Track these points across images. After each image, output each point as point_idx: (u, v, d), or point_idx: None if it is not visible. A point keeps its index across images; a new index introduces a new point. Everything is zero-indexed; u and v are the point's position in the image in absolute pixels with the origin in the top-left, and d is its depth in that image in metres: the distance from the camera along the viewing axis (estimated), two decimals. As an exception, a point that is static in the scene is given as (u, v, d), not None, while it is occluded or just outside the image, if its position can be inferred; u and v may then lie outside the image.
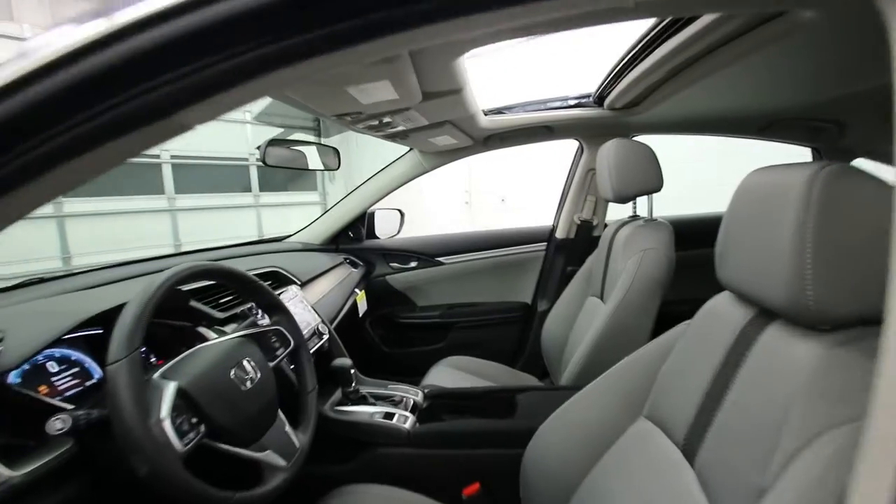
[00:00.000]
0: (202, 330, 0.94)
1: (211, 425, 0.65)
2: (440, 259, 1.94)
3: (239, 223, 5.81)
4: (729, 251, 0.64)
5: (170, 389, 0.62)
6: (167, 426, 0.58)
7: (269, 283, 1.25)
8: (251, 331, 0.83)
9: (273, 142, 1.11)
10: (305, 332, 1.16)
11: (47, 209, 4.22)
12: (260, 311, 0.99)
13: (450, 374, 1.60)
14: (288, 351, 0.88)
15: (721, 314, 0.68)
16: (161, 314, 0.89)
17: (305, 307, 1.27)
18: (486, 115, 1.45)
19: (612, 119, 1.51)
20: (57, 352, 0.76)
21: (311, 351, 1.16)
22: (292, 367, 0.94)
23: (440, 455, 1.05)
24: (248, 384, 0.73)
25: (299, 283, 1.35)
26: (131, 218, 4.79)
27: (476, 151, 1.71)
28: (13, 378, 0.65)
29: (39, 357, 0.70)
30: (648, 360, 0.81)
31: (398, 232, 2.07)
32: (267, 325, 0.88)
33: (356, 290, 1.76)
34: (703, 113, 1.50)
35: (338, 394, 1.20)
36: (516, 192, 5.53)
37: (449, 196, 6.01)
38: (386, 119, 0.98)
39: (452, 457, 1.04)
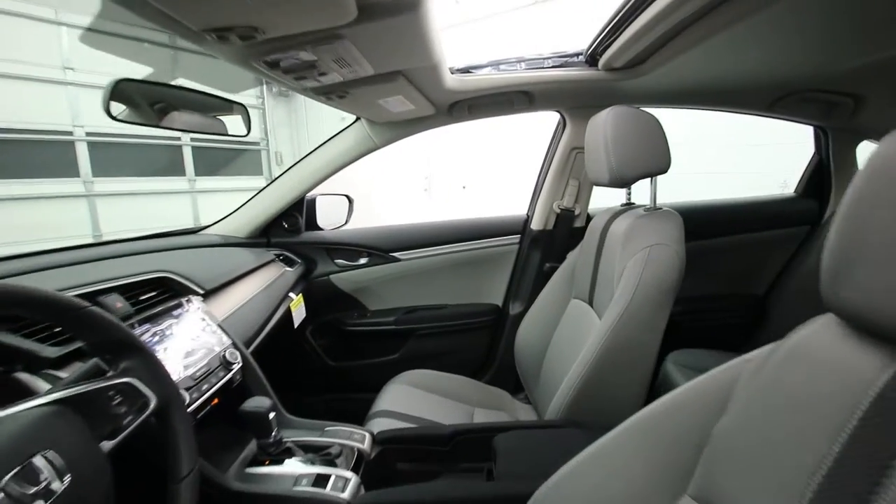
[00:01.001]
0: (22, 377, 0.59)
1: None
2: (395, 255, 1.62)
3: (173, 212, 5.19)
4: (854, 262, 0.38)
5: None
6: None
7: (156, 294, 0.91)
8: (67, 392, 0.49)
9: (123, 84, 0.73)
10: (200, 365, 0.83)
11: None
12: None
13: (407, 393, 1.32)
14: (143, 417, 0.55)
15: (834, 357, 0.42)
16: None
17: (207, 327, 0.93)
18: (452, 73, 1.14)
19: (605, 83, 1.24)
20: None
21: (216, 387, 0.84)
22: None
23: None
24: (38, 505, 0.40)
25: (202, 292, 1.00)
26: (35, 205, 4.11)
27: (438, 124, 1.40)
28: None
29: None
30: (693, 410, 0.55)
31: (346, 222, 1.74)
32: (108, 379, 0.54)
33: (291, 294, 1.42)
34: (710, 82, 1.27)
35: (252, 446, 0.88)
36: (477, 179, 5.27)
37: (406, 183, 5.66)
38: (306, 54, 0.65)
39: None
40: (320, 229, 1.64)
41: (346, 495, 0.77)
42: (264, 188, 1.51)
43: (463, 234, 1.65)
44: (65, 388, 0.50)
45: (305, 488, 0.77)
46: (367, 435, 0.95)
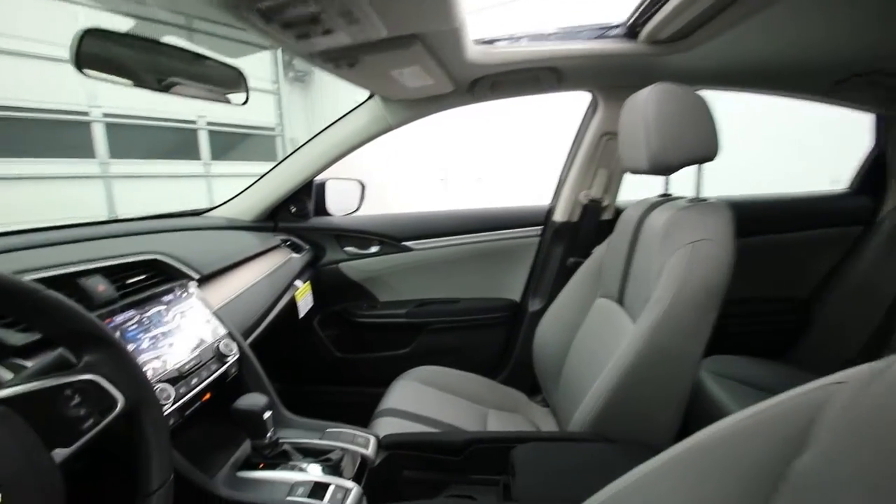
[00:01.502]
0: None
1: None
2: (408, 244, 1.53)
3: (189, 195, 5.19)
4: None
5: None
6: None
7: (145, 279, 0.83)
8: (12, 391, 0.41)
9: (94, 34, 0.63)
10: (190, 357, 0.75)
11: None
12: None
13: (417, 391, 1.23)
14: (108, 421, 0.47)
15: None
16: None
17: (200, 316, 0.85)
18: (475, 44, 1.03)
19: (645, 59, 1.12)
20: None
21: (207, 382, 0.76)
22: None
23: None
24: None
25: (197, 277, 0.92)
26: (52, 185, 4.12)
27: (457, 103, 1.29)
28: None
29: None
30: (765, 440, 0.45)
31: (357, 209, 1.65)
32: (67, 375, 0.46)
33: (297, 282, 1.34)
34: (764, 61, 1.14)
35: (246, 447, 0.80)
36: (493, 171, 5.14)
37: (422, 174, 5.56)
38: (308, 4, 0.55)
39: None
40: (330, 215, 1.56)
41: (345, 509, 0.69)
42: (272, 169, 1.43)
43: (480, 225, 1.55)
44: (10, 387, 0.42)
45: (301, 499, 0.69)
46: (372, 439, 0.87)
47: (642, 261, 0.97)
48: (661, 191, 1.08)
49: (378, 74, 0.96)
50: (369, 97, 1.30)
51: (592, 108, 1.37)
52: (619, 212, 1.28)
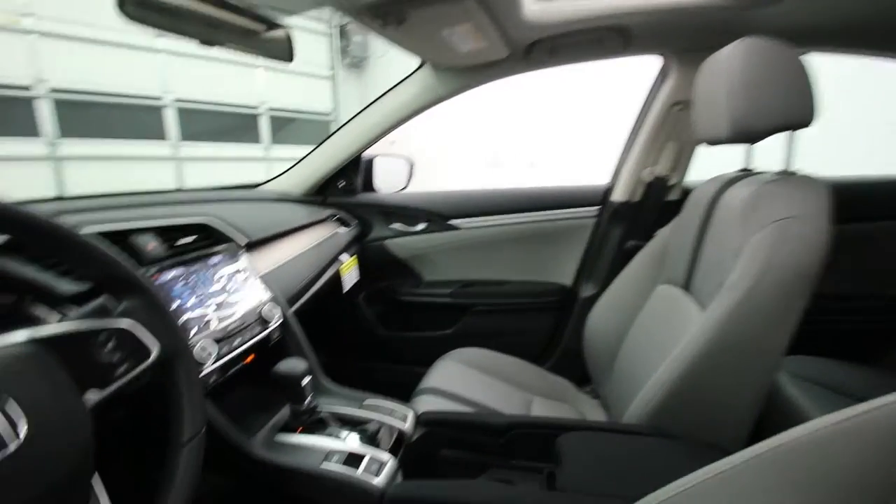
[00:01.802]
0: (35, 310, 0.53)
1: None
2: (455, 222, 1.48)
3: (250, 176, 5.44)
4: None
5: None
6: None
7: (195, 241, 0.84)
8: (47, 332, 0.41)
9: None
10: (234, 318, 0.75)
11: (41, 150, 3.92)
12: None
13: (459, 372, 1.19)
14: (142, 369, 0.46)
15: None
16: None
17: (246, 280, 0.85)
18: (533, 1, 0.95)
19: (728, 14, 0.98)
20: None
21: (249, 343, 0.76)
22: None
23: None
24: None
25: (244, 242, 0.93)
26: (130, 165, 4.46)
27: (512, 70, 1.21)
28: None
29: None
30: (876, 447, 0.37)
31: (405, 187, 1.62)
32: (103, 320, 0.45)
33: (343, 256, 1.34)
34: (872, 16, 0.97)
35: (285, 411, 0.80)
36: (547, 156, 4.95)
37: (471, 158, 5.47)
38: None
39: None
40: (377, 191, 1.55)
41: (379, 481, 0.67)
42: (322, 143, 1.43)
43: (531, 204, 1.47)
44: (47, 327, 0.42)
45: (335, 467, 0.67)
46: (411, 414, 0.84)
47: (716, 242, 0.86)
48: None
49: (428, 35, 0.91)
50: (419, 67, 1.26)
51: (662, 74, 1.25)
52: (686, 192, 1.16)
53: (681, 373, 0.74)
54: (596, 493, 0.61)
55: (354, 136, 1.38)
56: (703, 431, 0.75)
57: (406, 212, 1.51)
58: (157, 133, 4.65)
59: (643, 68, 1.29)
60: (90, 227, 0.68)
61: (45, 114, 3.89)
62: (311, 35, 5.77)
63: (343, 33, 5.91)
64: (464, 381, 1.15)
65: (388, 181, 1.57)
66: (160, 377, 0.49)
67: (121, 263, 0.47)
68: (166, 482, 0.46)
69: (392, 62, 5.61)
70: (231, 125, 5.27)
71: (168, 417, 0.49)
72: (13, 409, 0.34)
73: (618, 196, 1.35)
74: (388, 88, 1.33)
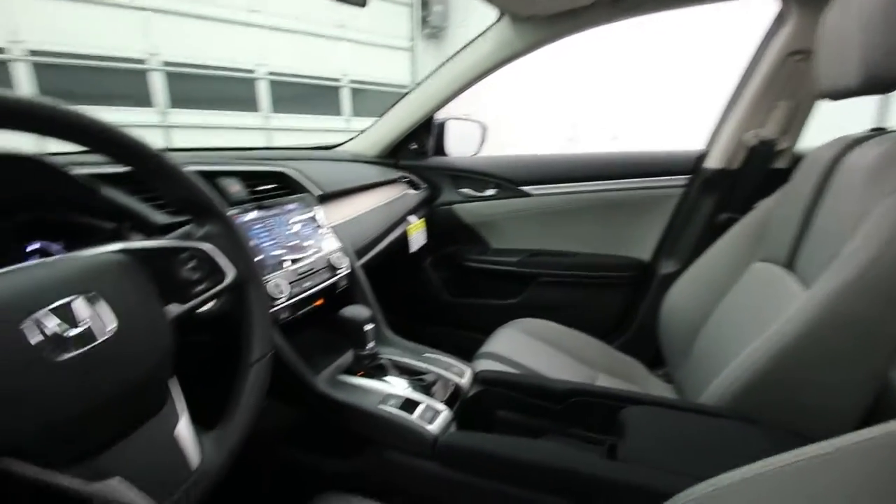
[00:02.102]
0: (133, 238, 0.59)
1: None
2: (526, 189, 1.43)
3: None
4: None
5: None
6: None
7: (274, 188, 0.89)
8: (137, 245, 0.45)
9: None
10: (305, 262, 0.78)
11: (154, 118, 4.39)
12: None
13: (521, 341, 1.16)
14: (218, 289, 0.49)
15: None
16: (45, 204, 0.56)
17: (318, 228, 0.89)
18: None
19: None
20: None
21: (318, 288, 0.79)
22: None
23: (481, 489, 0.63)
24: (74, 347, 0.35)
25: (318, 193, 0.96)
26: (227, 133, 4.86)
27: (598, 20, 1.11)
28: None
29: None
30: None
31: (477, 151, 1.59)
32: (186, 240, 0.49)
33: (411, 217, 1.35)
34: None
35: (349, 356, 0.83)
36: (631, 128, 4.60)
37: (548, 131, 5.25)
38: None
39: (502, 496, 0.62)
40: (448, 155, 1.53)
41: (433, 428, 0.67)
42: (394, 105, 1.43)
43: (610, 171, 1.37)
44: (139, 242, 0.45)
45: (391, 409, 0.69)
46: (468, 370, 0.84)
47: (831, 212, 0.74)
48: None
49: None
50: (496, 21, 1.20)
51: (779, 20, 1.07)
52: (797, 158, 1.00)
53: (774, 354, 0.65)
54: (659, 467, 0.57)
55: (427, 97, 1.36)
56: (793, 420, 0.66)
57: (476, 176, 1.48)
58: (250, 104, 5.00)
59: (752, 16, 1.12)
60: (186, 167, 0.74)
61: (158, 85, 4.33)
62: (392, 6, 5.81)
63: (424, 3, 5.87)
64: (525, 349, 1.12)
65: (459, 145, 1.55)
66: (234, 301, 0.53)
67: (205, 192, 0.50)
68: (235, 397, 0.50)
69: (471, 31, 5.48)
70: (315, 97, 5.52)
71: (238, 339, 0.52)
72: (104, 307, 0.38)
73: (713, 163, 1.21)
74: (460, 48, 1.28)
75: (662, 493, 0.43)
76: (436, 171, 1.52)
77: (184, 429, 0.43)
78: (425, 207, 1.48)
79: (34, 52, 3.67)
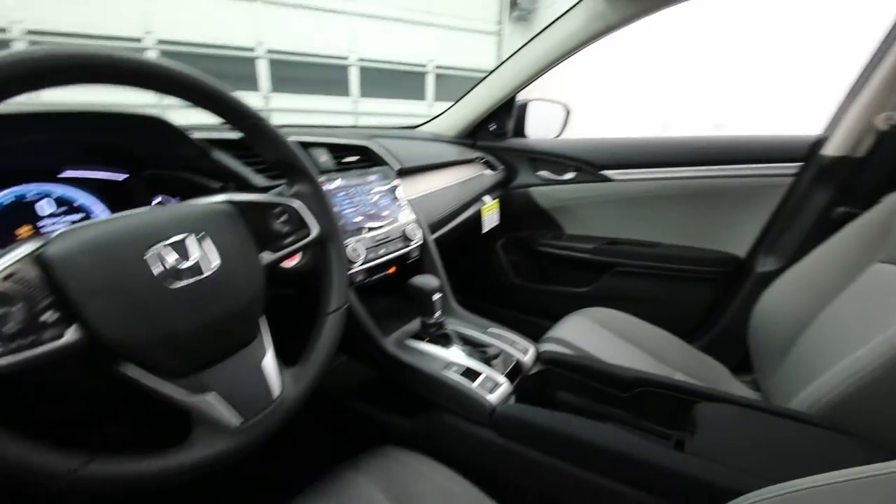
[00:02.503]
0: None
1: (91, 333, 0.36)
2: (607, 173, 1.36)
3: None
4: None
5: (19, 251, 0.34)
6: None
7: (357, 160, 0.95)
8: (238, 197, 0.51)
9: None
10: (381, 231, 0.83)
11: (258, 102, 4.80)
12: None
13: (591, 329, 1.10)
14: (303, 243, 0.55)
15: None
16: (168, 163, 0.65)
17: (395, 200, 0.93)
18: None
19: None
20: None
21: (392, 256, 0.84)
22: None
23: (536, 461, 0.64)
24: (186, 277, 0.41)
25: (397, 167, 1.01)
26: (320, 117, 5.19)
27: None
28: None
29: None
30: None
31: (559, 134, 1.54)
32: (279, 196, 0.55)
33: (486, 197, 1.36)
34: None
35: (416, 323, 0.87)
36: (739, 115, 4.14)
37: (639, 116, 4.91)
38: None
39: (556, 471, 0.62)
40: (527, 137, 1.50)
41: (492, 397, 0.68)
42: (475, 85, 1.43)
43: (706, 156, 1.26)
44: (240, 195, 0.51)
45: (453, 375, 0.71)
46: (532, 348, 0.83)
47: None
48: None
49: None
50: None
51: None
52: None
53: (884, 363, 0.57)
54: (729, 464, 0.53)
55: (510, 78, 1.34)
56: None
57: (555, 159, 1.44)
58: (342, 89, 5.28)
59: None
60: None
61: (263, 71, 4.72)
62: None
63: (514, -16, 5.74)
64: (594, 338, 1.07)
65: (540, 127, 1.52)
66: (316, 256, 0.58)
67: (298, 155, 0.55)
68: (312, 342, 0.55)
69: (560, 12, 5.26)
70: (401, 82, 5.68)
71: (318, 294, 0.57)
72: (210, 246, 0.44)
73: (833, 149, 1.06)
74: (546, 25, 1.24)
75: (730, 491, 0.41)
76: (514, 152, 1.50)
77: (269, 362, 0.48)
78: (500, 189, 1.47)
79: (161, 42, 4.20)
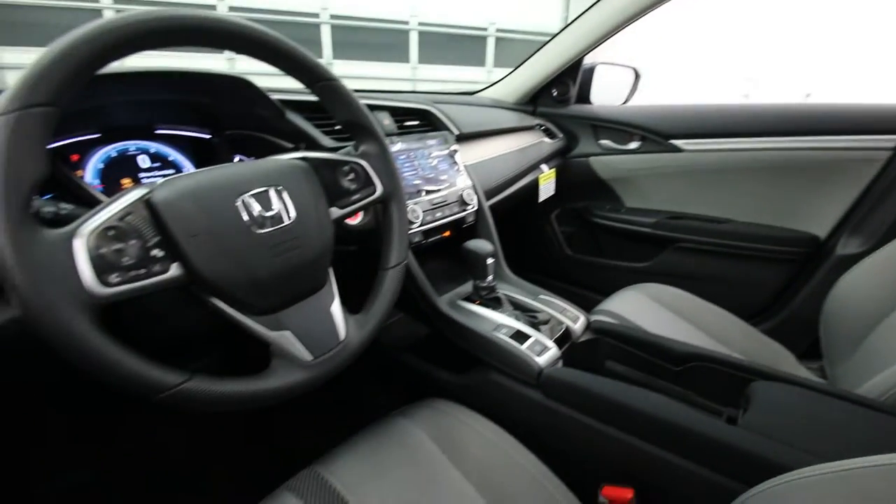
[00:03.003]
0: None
1: (190, 270, 0.41)
2: (677, 143, 1.29)
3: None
4: None
5: (133, 195, 0.40)
6: (78, 245, 0.36)
7: (418, 124, 0.97)
8: (312, 154, 0.54)
9: None
10: (438, 195, 0.85)
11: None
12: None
13: (646, 305, 1.07)
14: (369, 200, 0.58)
15: None
16: (247, 122, 0.70)
17: (454, 165, 0.94)
18: None
19: None
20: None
21: (448, 219, 0.86)
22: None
23: (582, 423, 0.65)
24: (268, 225, 0.46)
25: (456, 132, 1.01)
26: (378, 84, 5.22)
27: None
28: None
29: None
30: None
31: (626, 101, 1.47)
32: (348, 155, 0.58)
33: (543, 165, 1.33)
34: None
35: (468, 286, 0.90)
36: (833, 84, 3.69)
37: (719, 87, 4.51)
38: None
39: (602, 435, 0.64)
40: (591, 103, 1.45)
41: (540, 360, 0.70)
42: (538, 49, 1.38)
43: (791, 126, 1.15)
44: (314, 153, 0.55)
45: (503, 337, 0.74)
46: (582, 317, 0.84)
47: None
48: None
49: None
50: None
51: None
52: None
53: None
54: (783, 441, 0.52)
55: (576, 40, 1.28)
56: None
57: (620, 127, 1.38)
58: (401, 54, 5.26)
59: None
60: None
61: (326, 38, 4.80)
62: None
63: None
64: (649, 314, 1.03)
65: (606, 93, 1.45)
66: (378, 214, 0.61)
67: (367, 115, 0.58)
68: (374, 294, 0.59)
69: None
70: (464, 49, 5.56)
71: (380, 250, 0.61)
72: (287, 199, 0.48)
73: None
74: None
75: (783, 467, 0.40)
76: (575, 119, 1.45)
77: (336, 308, 0.53)
78: (559, 158, 1.44)
79: (232, 9, 4.38)
